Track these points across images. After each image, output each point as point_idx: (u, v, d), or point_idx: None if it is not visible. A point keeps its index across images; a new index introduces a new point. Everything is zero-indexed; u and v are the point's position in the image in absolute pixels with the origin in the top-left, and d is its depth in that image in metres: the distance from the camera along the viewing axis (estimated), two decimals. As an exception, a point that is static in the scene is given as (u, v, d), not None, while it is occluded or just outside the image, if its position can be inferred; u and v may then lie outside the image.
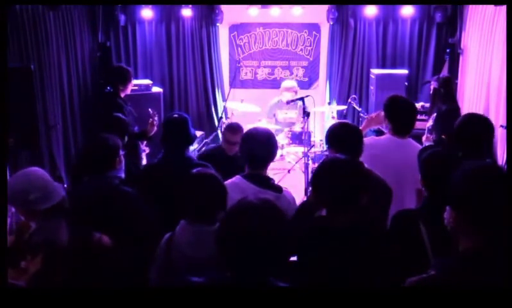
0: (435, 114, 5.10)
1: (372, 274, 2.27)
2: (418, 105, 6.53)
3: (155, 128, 4.78)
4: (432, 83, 5.47)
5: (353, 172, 2.28)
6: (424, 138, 5.14)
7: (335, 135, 3.01)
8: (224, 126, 4.92)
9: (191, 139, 3.74)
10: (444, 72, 6.83)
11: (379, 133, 3.76)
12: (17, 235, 2.37)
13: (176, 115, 3.72)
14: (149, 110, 4.90)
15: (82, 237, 2.07)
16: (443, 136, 4.87)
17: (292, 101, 5.41)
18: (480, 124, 3.14)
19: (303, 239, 2.30)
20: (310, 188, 2.54)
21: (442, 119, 4.96)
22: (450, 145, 4.68)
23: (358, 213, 2.28)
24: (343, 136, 2.96)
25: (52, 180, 2.42)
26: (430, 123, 5.19)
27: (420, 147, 3.72)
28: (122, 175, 3.03)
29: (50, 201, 2.32)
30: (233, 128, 4.47)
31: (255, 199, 1.76)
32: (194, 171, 2.47)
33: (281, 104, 6.30)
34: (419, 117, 6.27)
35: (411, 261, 2.16)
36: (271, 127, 5.92)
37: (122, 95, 5.06)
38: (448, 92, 5.12)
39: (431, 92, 5.45)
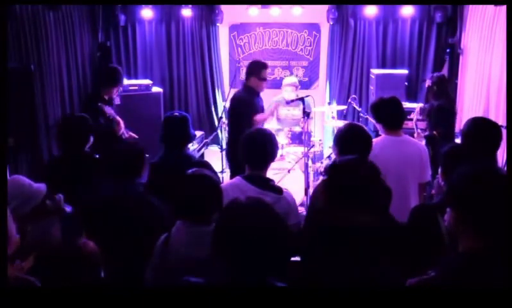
0: (419, 108, 5.20)
1: (385, 270, 2.28)
2: (418, 105, 6.54)
3: (122, 128, 4.67)
4: (427, 81, 5.53)
5: (373, 171, 2.30)
6: (415, 135, 5.18)
7: (344, 137, 3.00)
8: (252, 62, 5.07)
9: (190, 138, 3.75)
10: (444, 72, 6.83)
11: (378, 133, 3.80)
12: (21, 236, 2.44)
13: (175, 114, 3.73)
14: (105, 108, 4.65)
15: (69, 241, 2.09)
16: (435, 133, 4.92)
17: (292, 101, 5.40)
18: (491, 130, 3.16)
19: (321, 239, 2.29)
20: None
21: (434, 115, 5.04)
22: (442, 141, 4.78)
23: (376, 212, 2.29)
24: (352, 138, 2.96)
25: (30, 183, 2.53)
26: (416, 117, 5.29)
27: (418, 142, 3.77)
28: (144, 180, 2.98)
29: (31, 202, 2.45)
30: (265, 64, 4.91)
31: (247, 199, 1.77)
32: (190, 171, 2.46)
33: (286, 103, 6.27)
34: (412, 117, 6.34)
35: (431, 253, 2.17)
36: (272, 127, 5.92)
37: (106, 96, 4.99)
38: (441, 89, 5.20)
39: (426, 90, 5.51)
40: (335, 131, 3.12)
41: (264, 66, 4.95)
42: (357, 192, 2.26)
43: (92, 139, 3.60)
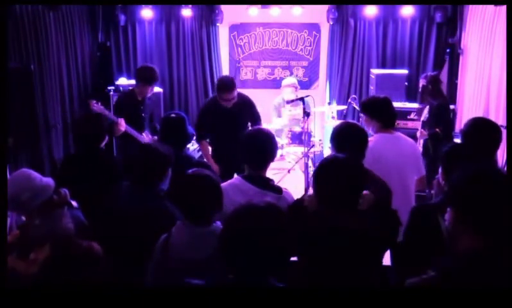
0: (428, 107, 5.23)
1: (376, 273, 2.29)
2: (418, 105, 6.55)
3: (121, 128, 4.50)
4: (420, 80, 5.57)
5: (356, 171, 2.30)
6: (418, 133, 5.22)
7: (340, 135, 3.01)
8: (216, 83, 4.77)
9: (188, 138, 3.74)
10: (444, 72, 6.84)
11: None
12: (21, 231, 2.47)
13: (173, 115, 3.72)
14: (93, 106, 4.44)
15: (65, 244, 2.10)
16: (437, 130, 4.98)
17: (292, 101, 5.40)
18: (491, 130, 3.16)
19: (308, 237, 2.30)
20: (311, 187, 2.53)
21: (434, 114, 5.13)
22: (445, 138, 4.82)
23: (363, 213, 2.29)
24: (348, 136, 2.97)
25: (40, 177, 2.55)
26: (425, 115, 5.31)
27: (408, 138, 3.79)
28: (166, 186, 2.85)
29: (41, 197, 2.48)
30: (227, 86, 4.49)
31: (259, 202, 1.77)
32: (189, 171, 2.45)
33: (286, 103, 6.29)
34: (412, 117, 6.37)
35: (431, 253, 2.17)
36: (273, 127, 5.92)
37: (140, 97, 4.94)
38: (435, 88, 5.27)
39: (420, 89, 5.54)
40: (332, 130, 3.13)
41: (223, 89, 4.56)
42: (341, 191, 2.25)
43: (107, 137, 3.63)
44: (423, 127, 5.34)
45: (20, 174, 2.55)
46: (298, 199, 2.60)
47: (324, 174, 2.31)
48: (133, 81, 6.65)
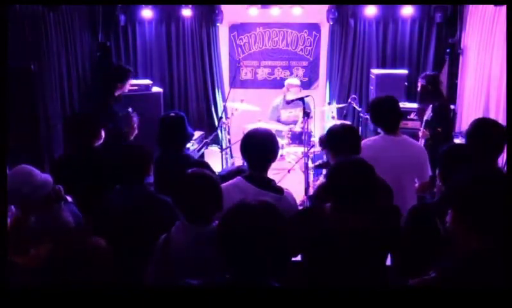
0: (431, 106, 5.23)
1: (380, 274, 2.29)
2: (417, 105, 6.54)
3: (135, 131, 4.65)
4: (419, 80, 5.56)
5: (371, 173, 2.30)
6: (420, 133, 5.20)
7: (334, 137, 3.02)
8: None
9: (188, 138, 3.73)
10: (444, 72, 6.84)
11: (377, 132, 3.79)
12: (13, 227, 2.51)
13: (172, 114, 3.70)
14: (129, 109, 4.71)
15: (69, 238, 2.11)
16: (439, 130, 4.97)
17: (292, 101, 5.41)
18: (495, 131, 3.14)
19: (314, 238, 2.30)
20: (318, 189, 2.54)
21: (436, 114, 5.10)
22: (446, 138, 4.81)
23: (371, 214, 2.30)
24: (343, 137, 2.98)
25: (39, 173, 2.61)
26: (428, 114, 5.31)
27: (416, 142, 3.75)
28: (151, 179, 3.00)
29: (42, 191, 2.54)
30: None
31: (254, 200, 1.77)
32: (189, 171, 2.45)
33: (285, 104, 6.29)
34: (412, 117, 6.37)
35: (428, 254, 2.17)
36: (272, 127, 5.92)
37: (117, 94, 5.03)
38: (435, 88, 5.26)
39: (419, 89, 5.53)
40: (326, 131, 3.13)
41: None
42: (358, 192, 2.26)
43: (103, 135, 3.63)
44: (425, 126, 5.32)
45: (20, 169, 2.60)
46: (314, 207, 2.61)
47: (340, 176, 2.32)
48: (133, 81, 6.68)
